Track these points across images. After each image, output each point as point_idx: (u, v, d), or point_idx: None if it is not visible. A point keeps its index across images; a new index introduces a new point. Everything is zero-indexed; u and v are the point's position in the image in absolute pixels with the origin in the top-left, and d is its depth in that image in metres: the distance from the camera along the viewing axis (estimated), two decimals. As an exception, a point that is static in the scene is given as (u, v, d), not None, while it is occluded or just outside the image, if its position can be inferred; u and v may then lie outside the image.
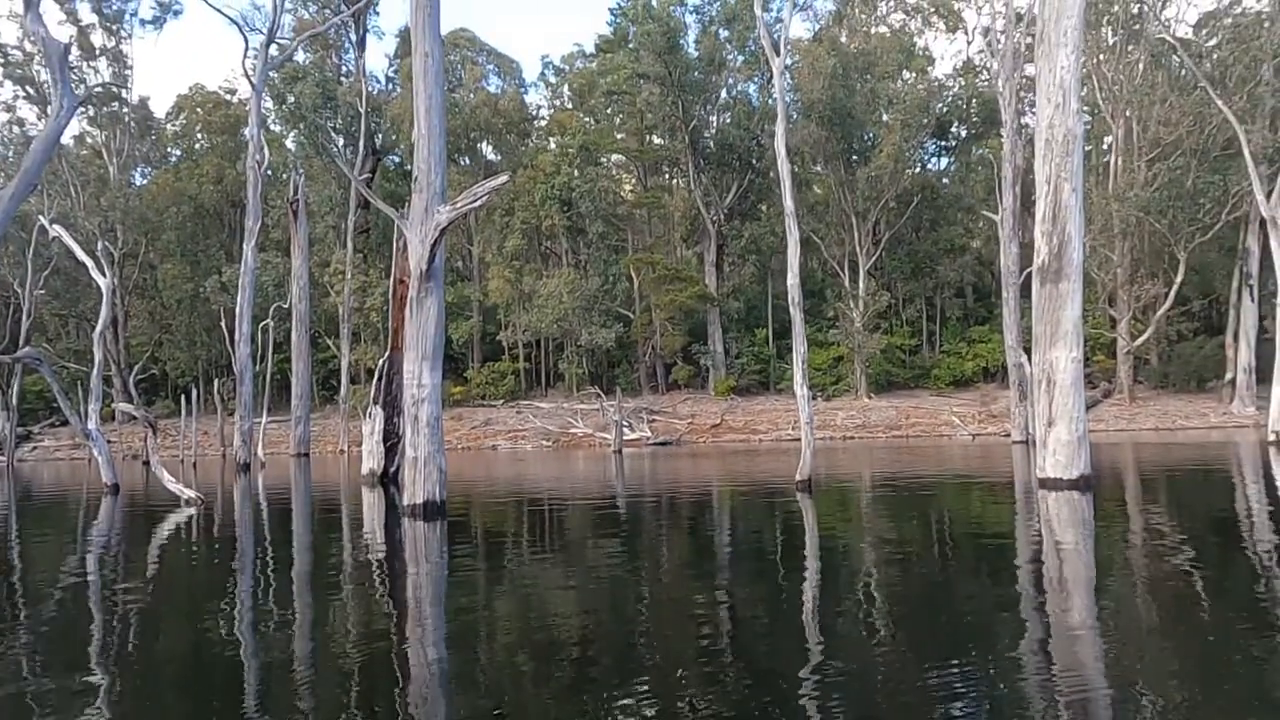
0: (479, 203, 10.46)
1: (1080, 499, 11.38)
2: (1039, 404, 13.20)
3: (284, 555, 8.87)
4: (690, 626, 5.22)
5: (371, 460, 17.35)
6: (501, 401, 38.90)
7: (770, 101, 40.26)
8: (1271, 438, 22.75)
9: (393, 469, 16.71)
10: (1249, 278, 33.22)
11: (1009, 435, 26.98)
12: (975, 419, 33.46)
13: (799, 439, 14.20)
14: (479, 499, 14.77)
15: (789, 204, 14.89)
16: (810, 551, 8.36)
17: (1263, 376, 29.29)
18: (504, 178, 10.60)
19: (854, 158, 39.30)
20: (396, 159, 44.99)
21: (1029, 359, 16.78)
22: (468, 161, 45.42)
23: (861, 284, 38.47)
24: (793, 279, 14.72)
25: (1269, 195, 25.22)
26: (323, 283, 38.40)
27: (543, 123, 49.10)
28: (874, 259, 39.24)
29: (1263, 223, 27.75)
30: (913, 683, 4.02)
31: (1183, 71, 33.05)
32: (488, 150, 46.93)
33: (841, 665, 4.34)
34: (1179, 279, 33.43)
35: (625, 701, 3.58)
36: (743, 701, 3.76)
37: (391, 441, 16.98)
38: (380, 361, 18.22)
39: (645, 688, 3.81)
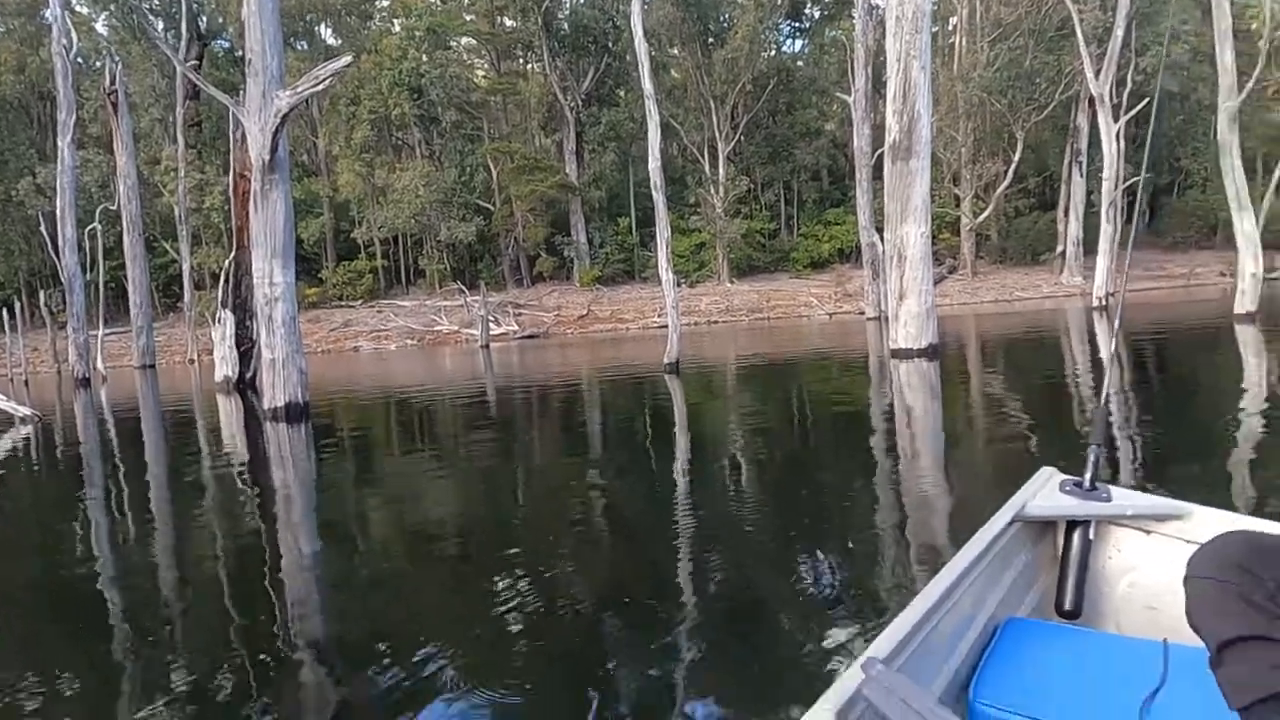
0: (321, 86, 9.81)
1: (928, 367, 12.10)
2: (891, 279, 13.79)
3: (137, 469, 8.45)
4: (566, 511, 5.30)
5: (225, 367, 16.58)
6: (360, 302, 37.68)
7: (624, -19, 39.20)
8: (1095, 304, 24.67)
9: (249, 374, 16.04)
10: (1079, 155, 35.24)
11: (863, 313, 28.20)
12: (832, 299, 34.74)
13: (665, 326, 14.41)
14: (344, 400, 14.42)
15: (647, 87, 14.67)
16: (679, 430, 8.59)
17: (1090, 248, 31.48)
18: (346, 59, 9.95)
19: (710, 40, 38.94)
20: (225, 44, 41.57)
21: (881, 237, 17.43)
22: (305, 46, 42.49)
23: (721, 169, 38.70)
24: (654, 163, 14.63)
25: (1098, 74, 26.57)
26: (154, 181, 35.67)
27: (386, 3, 46.20)
28: (733, 144, 39.44)
29: (1091, 101, 29.30)
30: (777, 546, 4.24)
31: (1022, -49, 33.92)
32: (327, 34, 44.00)
33: (712, 535, 4.53)
34: (1017, 157, 35.14)
35: (505, 590, 3.62)
36: (621, 579, 3.87)
37: (245, 346, 16.24)
38: (226, 263, 17.21)
39: (524, 575, 3.87)
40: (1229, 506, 2.12)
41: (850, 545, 4.04)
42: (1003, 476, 5.43)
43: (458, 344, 31.16)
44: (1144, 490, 2.20)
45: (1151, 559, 2.04)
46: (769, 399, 10.77)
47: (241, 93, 10.66)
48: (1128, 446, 5.80)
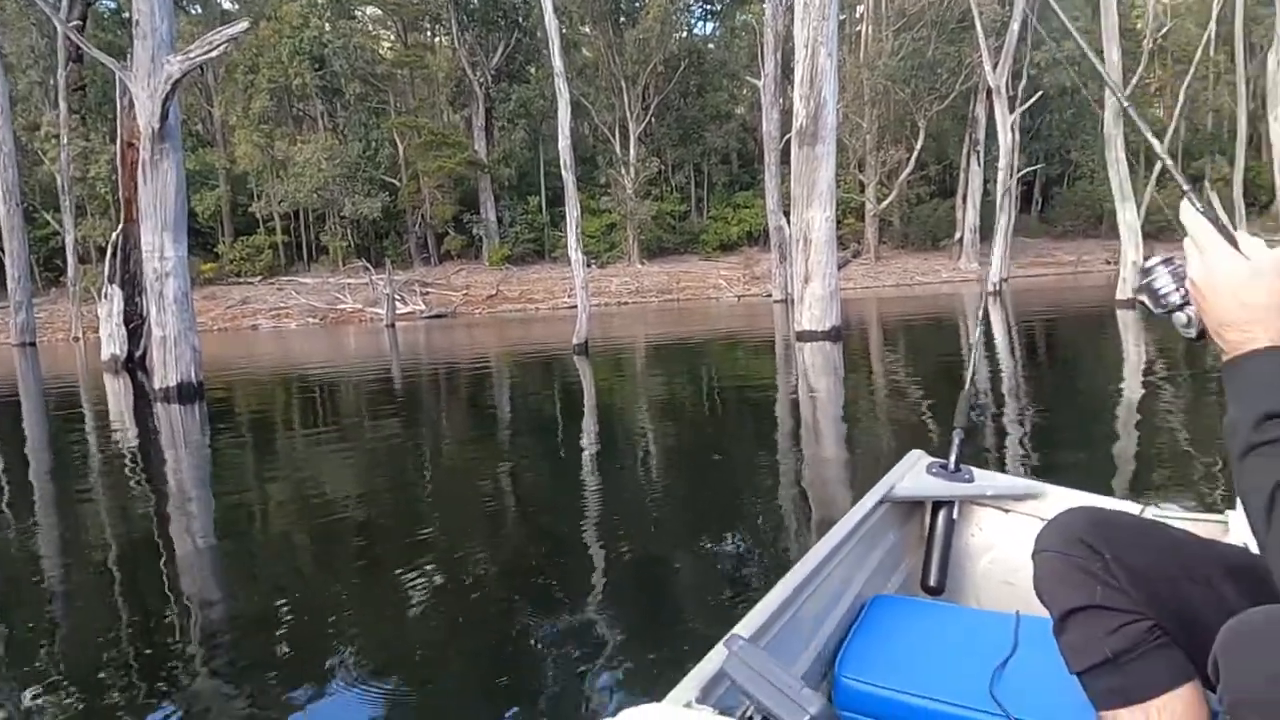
0: (216, 52, 9.40)
1: (832, 349, 12.39)
2: (797, 262, 14.05)
3: (16, 453, 8.01)
4: (474, 494, 5.26)
5: (112, 345, 15.80)
6: (259, 278, 36.36)
7: (536, -45, 38.64)
8: (990, 289, 25.64)
9: (138, 353, 15.33)
10: (976, 144, 36.45)
11: (770, 295, 28.65)
12: (740, 281, 35.18)
13: (575, 306, 14.37)
14: (241, 380, 13.94)
15: (558, 65, 14.51)
16: (588, 411, 8.60)
17: (986, 235, 32.66)
18: (243, 25, 9.57)
19: (622, 19, 38.78)
20: (112, 3, 39.37)
21: (788, 221, 17.72)
22: (199, 10, 40.57)
23: (632, 150, 38.68)
24: (564, 141, 14.53)
25: (995, 67, 27.48)
26: (33, 149, 33.62)
27: (286, -32, 44.39)
28: (644, 125, 39.43)
29: (989, 92, 30.28)
30: (681, 523, 4.30)
31: (926, -57, 34.78)
32: (223, -2, 42.10)
33: (617, 514, 4.56)
34: (919, 145, 36.14)
35: (411, 575, 3.58)
36: (528, 561, 3.87)
37: (135, 323, 15.50)
38: (114, 235, 16.34)
39: (430, 559, 3.82)
40: (1085, 485, 2.26)
41: (752, 521, 4.12)
42: (897, 455, 5.61)
43: (362, 323, 30.45)
44: (1004, 471, 2.33)
45: (1009, 536, 2.15)
46: (677, 380, 10.87)
47: (129, 56, 10.11)
48: (997, 428, 6.08)
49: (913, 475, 2.25)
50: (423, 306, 31.98)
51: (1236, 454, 1.01)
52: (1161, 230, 38.34)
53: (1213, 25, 31.53)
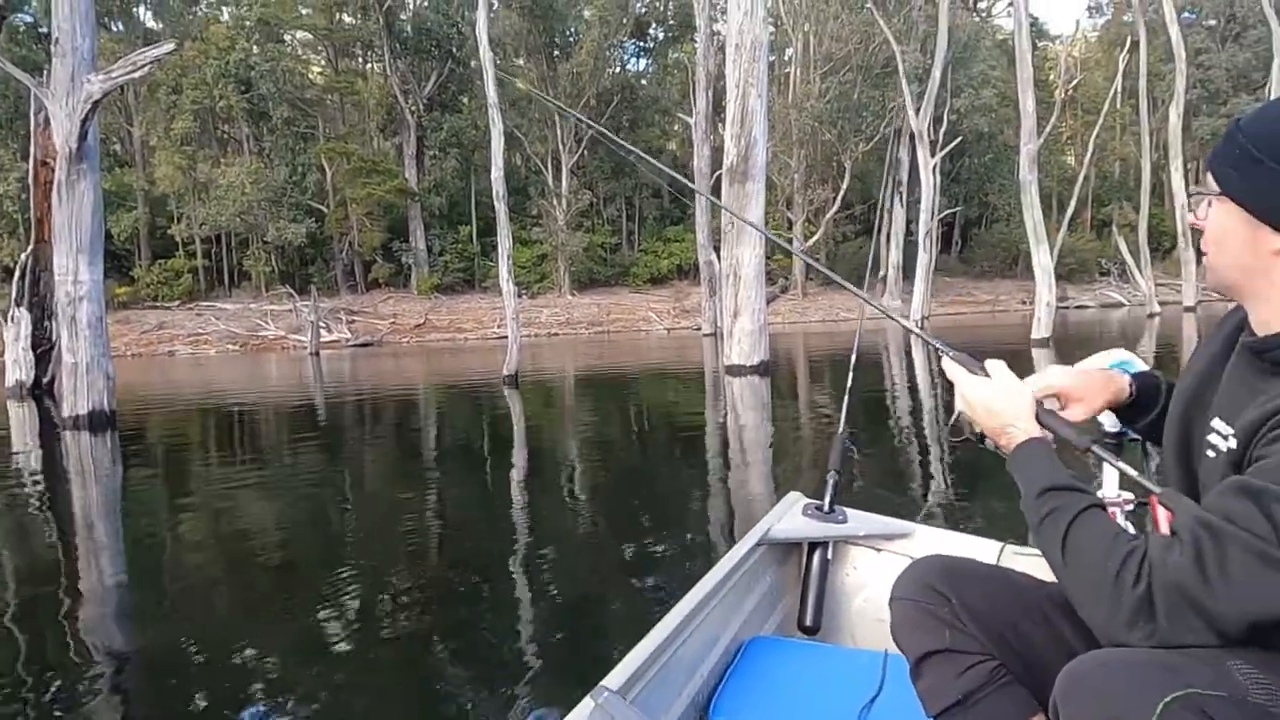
0: (139, 73, 9.18)
1: (760, 383, 12.55)
2: (726, 297, 14.23)
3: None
4: (398, 528, 5.16)
5: (18, 371, 15.12)
6: (178, 303, 35.28)
7: (471, -13, 38.73)
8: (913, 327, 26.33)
9: (46, 379, 14.71)
10: (899, 185, 37.56)
11: (700, 329, 28.91)
12: (670, 314, 35.44)
13: (505, 337, 14.29)
14: (156, 408, 13.47)
15: (492, 96, 14.53)
16: (517, 444, 8.53)
17: (909, 273, 33.58)
18: (168, 46, 9.38)
19: (556, 53, 39.08)
20: (28, 18, 38.07)
21: (718, 256, 17.96)
22: (120, 28, 39.48)
23: (564, 182, 38.84)
24: (497, 173, 14.51)
25: (918, 111, 28.46)
26: (-63, 164, 32.21)
27: (214, -11, 43.58)
28: (576, 157, 39.66)
29: (912, 136, 31.33)
30: (609, 559, 4.29)
31: (852, -9, 35.96)
32: (146, 17, 41.05)
33: (547, 550, 4.53)
34: (845, 185, 37.06)
35: (330, 613, 3.49)
36: (452, 595, 3.81)
37: (43, 348, 14.89)
38: (23, 257, 15.72)
39: (353, 596, 3.74)
40: (956, 524, 2.34)
41: (677, 551, 4.13)
42: (816, 490, 5.70)
43: (285, 350, 29.74)
44: (879, 511, 2.40)
45: (881, 575, 2.20)
46: (608, 413, 10.87)
47: (46, 73, 9.81)
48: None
49: (790, 517, 2.28)
50: (348, 334, 31.42)
51: (1033, 525, 1.19)
52: (1073, 272, 40.09)
53: (1119, 79, 33.27)
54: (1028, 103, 19.74)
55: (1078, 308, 37.29)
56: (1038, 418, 1.31)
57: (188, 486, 6.98)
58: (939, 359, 1.46)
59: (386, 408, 12.52)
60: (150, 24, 40.64)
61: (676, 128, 43.26)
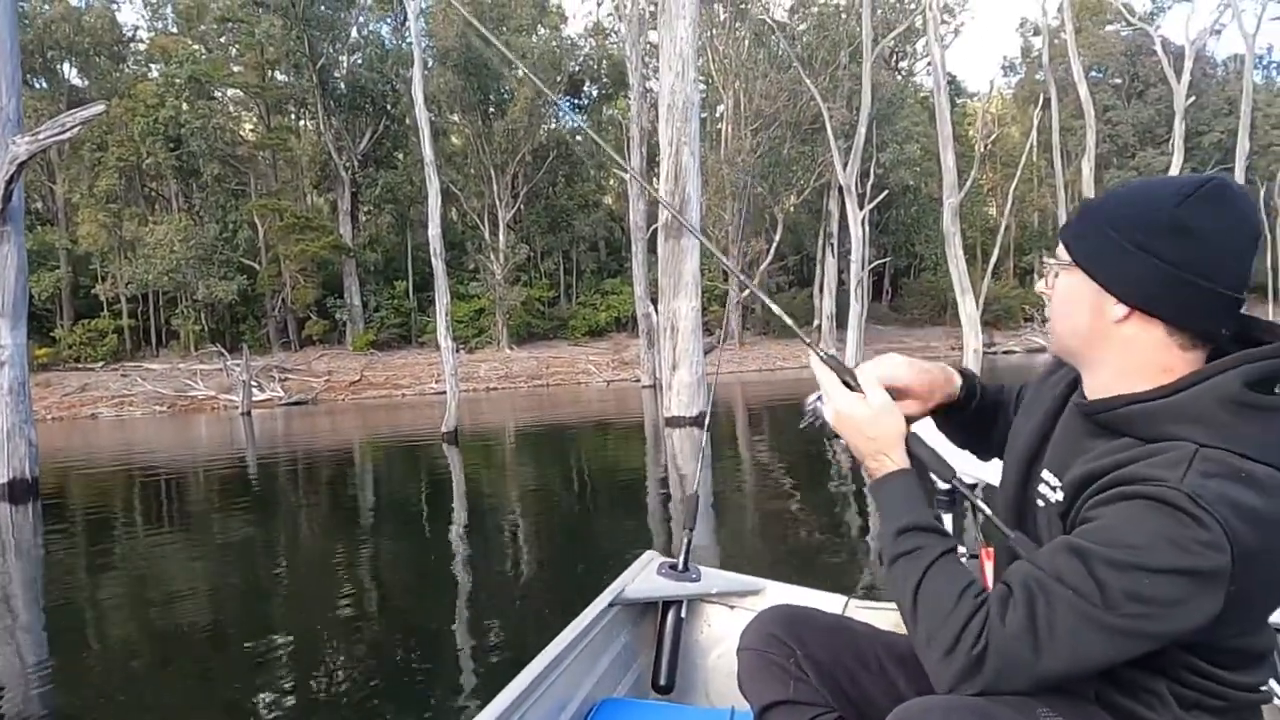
0: (68, 134, 9.04)
1: (700, 434, 12.64)
2: (664, 349, 14.38)
3: None
4: (332, 592, 5.07)
5: (-70, 438, 14.49)
6: (102, 364, 34.21)
7: (405, 45, 38.97)
8: (847, 374, 26.81)
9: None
10: (830, 237, 38.51)
11: (639, 380, 29.02)
12: (609, 366, 35.52)
13: (443, 392, 14.19)
14: (78, 475, 13.00)
15: (428, 154, 14.60)
16: (458, 502, 8.45)
17: (841, 322, 34.27)
18: (99, 107, 9.27)
19: (491, 109, 39.42)
20: (-54, 76, 37.13)
21: (655, 309, 18.16)
22: (44, 85, 38.69)
23: (502, 237, 38.95)
24: (434, 229, 14.54)
25: (845, 166, 29.33)
26: None
27: (143, 46, 43.11)
28: (513, 211, 39.86)
29: (841, 189, 32.22)
30: (549, 614, 4.28)
31: (780, 50, 37.14)
32: (71, 74, 40.30)
33: (486, 615, 4.49)
34: (777, 237, 37.89)
35: (262, 681, 3.41)
36: (388, 664, 3.76)
37: (-43, 415, 14.29)
38: (-63, 320, 15.15)
39: (284, 665, 3.66)
40: (807, 580, 2.39)
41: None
42: (769, 538, 5.78)
43: (215, 410, 28.98)
44: (737, 569, 2.43)
45: (734, 632, 2.22)
46: (549, 468, 10.84)
47: (-34, 134, 9.60)
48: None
49: (644, 576, 2.28)
50: (281, 393, 30.77)
51: (885, 563, 1.20)
52: (999, 318, 41.39)
53: (1034, 134, 34.75)
54: (948, 159, 20.54)
55: (1005, 353, 38.39)
56: (908, 443, 1.29)
57: (114, 556, 6.75)
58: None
59: (322, 467, 12.28)
60: (76, 80, 39.91)
61: (612, 181, 43.88)
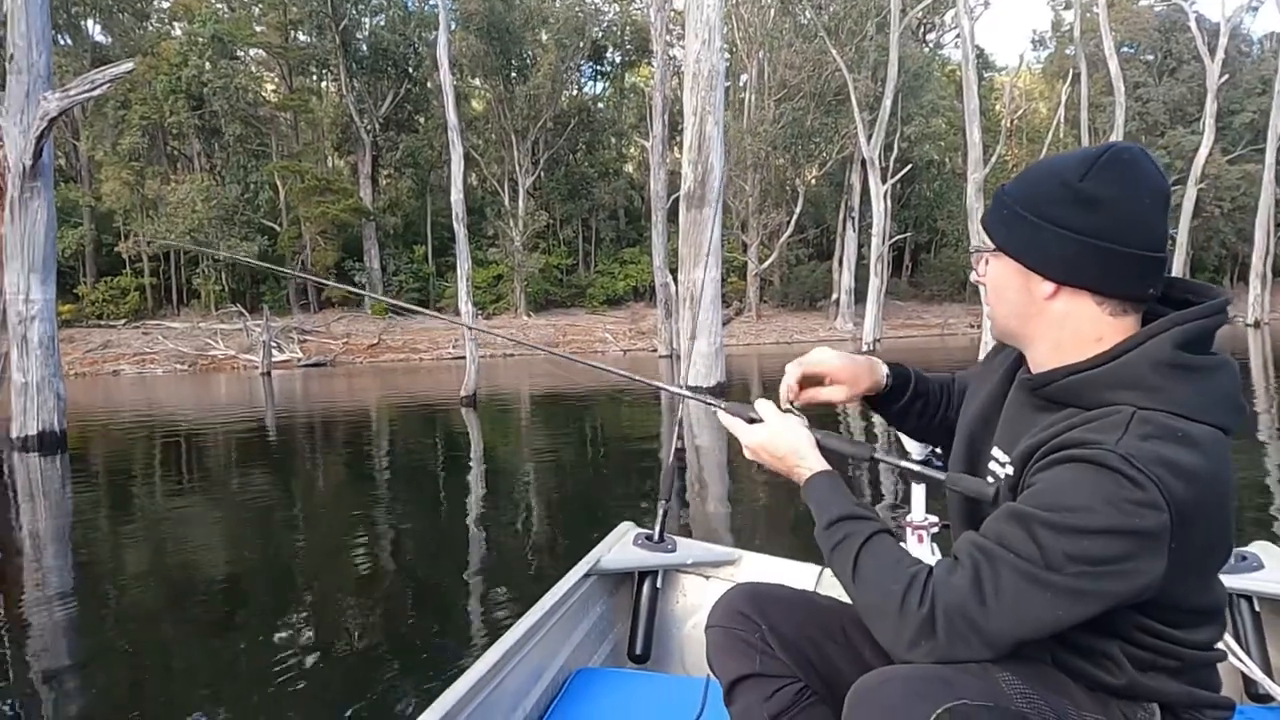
0: (98, 91, 9.11)
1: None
2: (683, 319, 14.42)
3: None
4: (349, 550, 5.18)
5: (-41, 390, 14.76)
6: (124, 321, 34.57)
7: (428, 7, 38.76)
8: (864, 348, 26.78)
9: (-11, 399, 14.37)
10: (851, 210, 38.24)
11: (656, 350, 29.08)
12: (626, 335, 35.58)
13: (460, 357, 14.29)
14: (103, 430, 13.22)
15: (451, 118, 14.57)
16: (481, 464, 8.57)
17: (860, 297, 34.14)
18: (128, 65, 9.32)
19: (513, 75, 39.22)
20: (-27, 30, 37.24)
21: (674, 279, 18.17)
22: (68, 42, 38.75)
23: (521, 203, 38.90)
24: (456, 195, 14.54)
25: (869, 138, 29.07)
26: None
27: (166, 4, 43.01)
28: (533, 178, 39.77)
29: (864, 162, 31.95)
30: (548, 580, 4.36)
31: (806, 20, 36.69)
32: (95, 30, 40.33)
33: (500, 574, 4.59)
34: (798, 209, 37.65)
35: (281, 635, 3.51)
36: (402, 621, 3.86)
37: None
38: (-35, 274, 15.36)
39: (302, 618, 3.76)
40: (784, 550, 2.41)
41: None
42: (774, 507, 5.85)
43: (235, 370, 29.27)
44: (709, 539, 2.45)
45: (709, 601, 2.25)
46: (567, 433, 10.94)
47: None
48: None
49: (620, 546, 2.31)
50: (300, 354, 31.02)
51: (825, 554, 1.28)
52: (1019, 296, 41.00)
53: (1061, 110, 34.32)
54: (974, 133, 20.33)
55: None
56: (819, 444, 1.39)
57: (136, 507, 6.91)
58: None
59: (340, 428, 12.44)
60: (99, 38, 39.96)
61: (633, 150, 43.66)
